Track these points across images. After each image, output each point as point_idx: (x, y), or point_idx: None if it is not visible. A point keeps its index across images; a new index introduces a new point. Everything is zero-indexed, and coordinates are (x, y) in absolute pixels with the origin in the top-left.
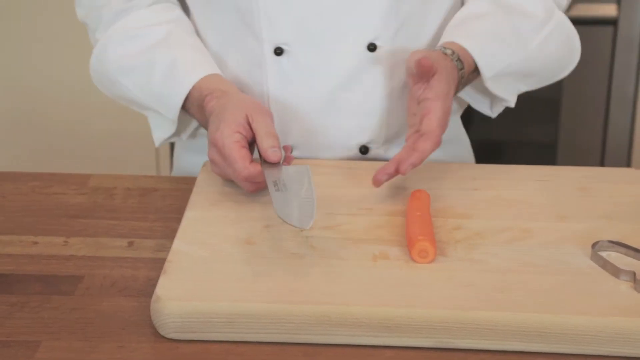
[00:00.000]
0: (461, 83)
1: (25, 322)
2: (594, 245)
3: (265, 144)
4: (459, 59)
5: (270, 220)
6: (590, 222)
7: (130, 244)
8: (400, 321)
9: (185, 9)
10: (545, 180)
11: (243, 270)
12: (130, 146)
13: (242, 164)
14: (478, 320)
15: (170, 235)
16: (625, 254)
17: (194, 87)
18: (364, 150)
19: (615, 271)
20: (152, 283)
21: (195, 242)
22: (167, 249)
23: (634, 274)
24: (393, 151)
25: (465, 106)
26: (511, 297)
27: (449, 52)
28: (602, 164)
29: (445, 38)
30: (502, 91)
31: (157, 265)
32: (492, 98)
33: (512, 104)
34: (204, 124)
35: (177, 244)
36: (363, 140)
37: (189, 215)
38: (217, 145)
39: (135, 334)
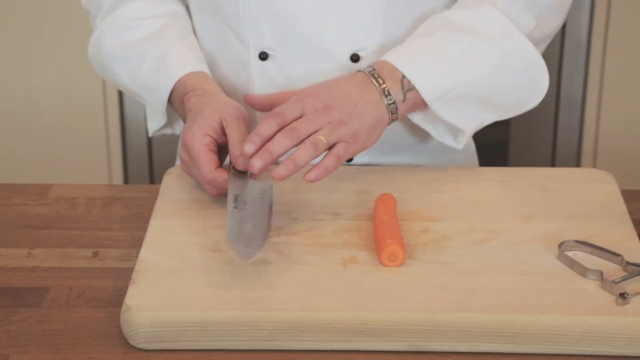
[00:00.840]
0: (394, 111)
1: None
2: (560, 245)
3: (236, 151)
4: (378, 76)
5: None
6: (555, 222)
7: (95, 254)
8: (373, 325)
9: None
10: (508, 181)
11: (212, 278)
12: (81, 154)
13: (208, 168)
14: (450, 322)
15: (136, 244)
16: (591, 253)
17: (179, 82)
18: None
19: (582, 270)
20: (120, 293)
21: (162, 251)
22: (133, 258)
23: (601, 273)
24: (378, 159)
25: None
26: (482, 298)
27: (369, 78)
28: (552, 164)
29: (385, 55)
30: (453, 117)
31: (124, 275)
32: (452, 127)
33: (466, 133)
34: (183, 117)
35: (144, 253)
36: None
37: (154, 223)
38: (186, 146)
39: (105, 345)
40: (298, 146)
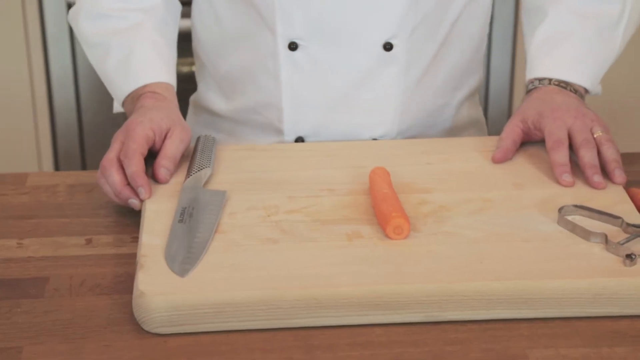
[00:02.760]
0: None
1: (0, 328)
2: (560, 209)
3: (162, 162)
4: (572, 89)
5: (232, 207)
6: (545, 188)
7: (89, 241)
8: (389, 298)
9: None
10: (492, 150)
11: (221, 259)
12: (10, 141)
13: (137, 145)
14: (465, 291)
15: (127, 229)
16: (590, 217)
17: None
18: None
19: (585, 234)
20: (121, 279)
21: (163, 234)
22: (127, 244)
23: (605, 235)
24: None
25: (478, 87)
26: (492, 266)
27: (559, 88)
28: (485, 112)
29: (537, 69)
30: (595, 90)
31: (122, 261)
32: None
33: (600, 91)
34: (129, 112)
35: (147, 237)
36: (375, 134)
37: (151, 208)
38: (129, 125)
39: (117, 332)
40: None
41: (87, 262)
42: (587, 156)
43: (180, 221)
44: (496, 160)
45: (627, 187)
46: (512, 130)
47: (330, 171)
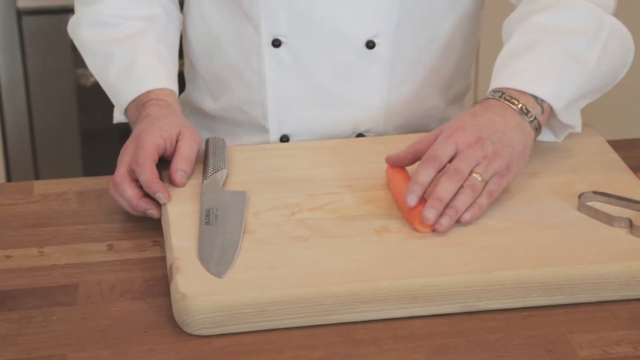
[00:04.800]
0: (537, 126)
1: (39, 337)
2: (580, 196)
3: (178, 164)
4: (523, 108)
5: (255, 207)
6: (559, 176)
7: (110, 247)
8: (428, 290)
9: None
10: None
11: (255, 258)
12: None
13: (147, 153)
14: (502, 280)
15: (146, 234)
16: (608, 203)
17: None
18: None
19: (608, 219)
20: (151, 283)
21: (192, 236)
22: (148, 248)
23: (630, 220)
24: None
25: (466, 93)
26: (524, 254)
27: (507, 103)
28: None
29: (496, 82)
30: (571, 119)
31: (147, 265)
32: (556, 126)
33: (578, 129)
34: (134, 120)
35: (177, 240)
36: (359, 130)
37: (173, 210)
38: (139, 135)
39: (159, 335)
40: (458, 194)
41: (112, 267)
42: (443, 187)
43: (207, 223)
44: (388, 160)
45: (636, 172)
46: (420, 141)
47: (345, 167)
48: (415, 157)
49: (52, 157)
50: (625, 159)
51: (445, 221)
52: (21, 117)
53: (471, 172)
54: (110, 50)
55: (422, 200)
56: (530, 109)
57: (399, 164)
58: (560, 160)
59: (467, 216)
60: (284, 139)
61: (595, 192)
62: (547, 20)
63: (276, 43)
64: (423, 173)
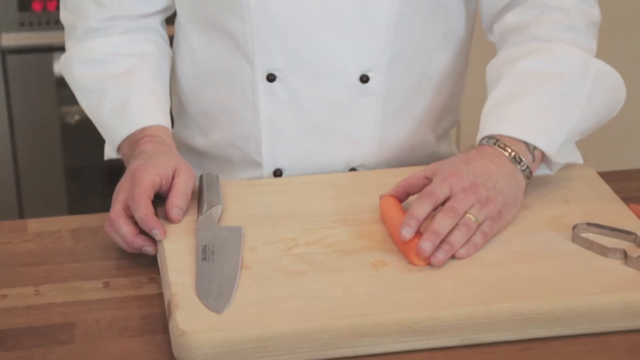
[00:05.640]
0: (529, 175)
1: None
2: (574, 228)
3: (174, 201)
4: (516, 156)
5: (251, 243)
6: (552, 208)
7: (106, 284)
8: (427, 323)
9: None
10: None
11: (253, 294)
12: None
13: (143, 189)
14: (501, 313)
15: (142, 271)
16: (601, 234)
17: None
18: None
19: (603, 251)
20: (148, 320)
21: (190, 273)
22: (144, 285)
23: (624, 251)
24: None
25: (454, 125)
26: (520, 286)
27: (501, 151)
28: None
29: (487, 128)
30: (564, 158)
31: (144, 302)
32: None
33: (580, 160)
34: (127, 157)
35: (174, 276)
36: (352, 164)
37: (169, 247)
38: (134, 173)
39: None
40: (454, 230)
41: (109, 305)
42: (439, 222)
43: (204, 259)
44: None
45: (627, 203)
46: (413, 177)
47: (339, 202)
48: (407, 193)
49: (37, 195)
50: (617, 190)
51: (440, 255)
52: (5, 155)
53: (465, 213)
54: (104, 87)
55: (418, 233)
56: (522, 158)
57: (390, 199)
58: (553, 192)
59: (462, 252)
60: (277, 173)
61: (589, 224)
62: (534, 65)
63: (271, 77)
64: (419, 207)
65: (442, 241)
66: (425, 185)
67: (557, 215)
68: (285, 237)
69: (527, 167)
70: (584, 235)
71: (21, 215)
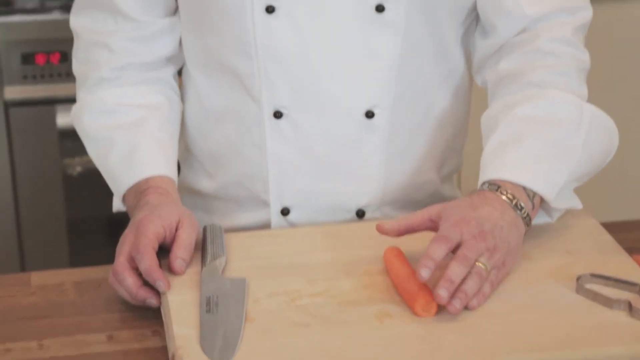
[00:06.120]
0: (528, 222)
1: None
2: (578, 279)
3: (178, 252)
4: (517, 204)
5: (255, 294)
6: (554, 258)
7: (110, 337)
8: None
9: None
10: None
11: (258, 346)
12: None
13: (148, 240)
14: None
15: (145, 324)
16: (606, 285)
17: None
18: (360, 213)
19: (607, 302)
20: None
21: (194, 325)
22: (149, 338)
23: (629, 302)
24: (390, 214)
25: (457, 169)
26: (525, 338)
27: (504, 198)
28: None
29: (488, 173)
30: (563, 204)
31: (149, 355)
32: (549, 207)
33: (579, 205)
34: (132, 207)
35: (178, 329)
36: (360, 204)
37: (173, 299)
38: (139, 224)
39: None
40: (467, 279)
41: (113, 358)
42: (454, 271)
43: (208, 311)
44: (379, 229)
45: (631, 254)
46: (418, 216)
47: (343, 252)
48: (407, 231)
49: (39, 247)
50: (619, 241)
51: (457, 304)
52: (7, 207)
53: (476, 261)
54: (112, 136)
55: (422, 285)
56: (523, 205)
57: (390, 234)
58: (555, 243)
59: (474, 303)
60: (285, 212)
61: (593, 275)
62: (530, 111)
63: (277, 115)
64: (435, 250)
65: (457, 290)
66: (428, 227)
67: (560, 266)
68: (289, 288)
69: (527, 214)
70: (588, 286)
71: (23, 267)
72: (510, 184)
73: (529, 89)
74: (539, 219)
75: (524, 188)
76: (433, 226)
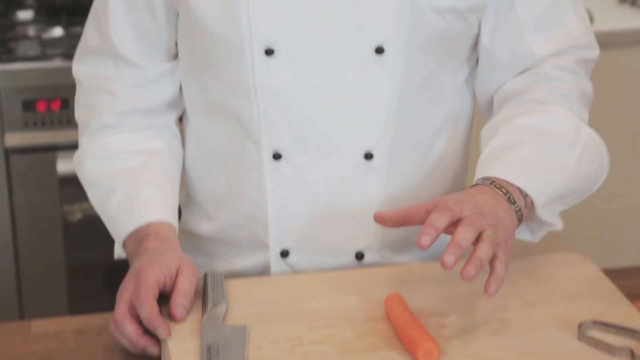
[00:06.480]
0: (520, 217)
1: None
2: (580, 326)
3: (179, 299)
4: (510, 198)
5: (256, 342)
6: (557, 306)
7: None
8: None
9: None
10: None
11: None
12: None
13: (148, 288)
14: None
15: None
16: (607, 332)
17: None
18: (359, 256)
19: (609, 349)
20: None
21: None
22: None
23: (631, 350)
24: (389, 258)
25: None
26: None
27: (497, 190)
28: None
29: (484, 172)
30: (549, 216)
31: None
32: (534, 224)
33: (559, 226)
34: (132, 253)
35: None
36: (359, 246)
37: (174, 346)
38: (139, 271)
39: None
40: (479, 244)
41: None
42: (460, 235)
43: (209, 359)
44: (376, 218)
45: (632, 300)
46: (413, 207)
47: (344, 298)
48: (404, 221)
49: (38, 293)
50: (621, 288)
51: (472, 269)
52: (7, 253)
53: (482, 231)
54: (113, 182)
55: (424, 332)
56: (516, 200)
57: (388, 223)
58: (557, 290)
59: (492, 289)
60: (284, 254)
61: (595, 322)
62: (530, 122)
63: (277, 156)
64: (437, 218)
65: (471, 256)
66: (424, 219)
67: (562, 313)
68: (290, 335)
69: (520, 209)
70: (590, 333)
71: (22, 313)
72: (504, 181)
73: (532, 104)
74: (522, 235)
75: (518, 188)
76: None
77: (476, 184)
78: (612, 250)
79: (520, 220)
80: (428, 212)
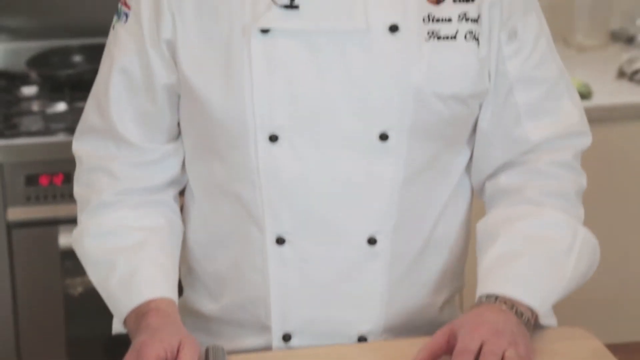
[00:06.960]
0: (529, 327)
1: None
2: None
3: None
4: (517, 311)
5: None
6: None
7: None
8: None
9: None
10: None
11: None
12: None
13: None
14: None
15: None
16: None
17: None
18: (362, 339)
19: None
20: None
21: None
22: None
23: None
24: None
25: (459, 290)
26: None
27: (504, 307)
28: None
29: (486, 287)
30: (549, 319)
31: None
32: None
33: (555, 323)
34: (134, 330)
35: None
36: (362, 330)
37: None
38: (140, 348)
39: None
40: None
41: None
42: None
43: None
44: None
45: None
46: (435, 341)
47: None
48: (433, 358)
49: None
50: None
51: None
52: (8, 326)
53: (503, 354)
54: (113, 259)
55: None
56: (523, 312)
57: None
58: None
59: None
60: (286, 337)
61: None
62: (529, 229)
63: (280, 241)
64: None
65: None
66: (449, 347)
67: None
68: None
69: (528, 319)
70: None
71: None
72: (507, 297)
73: (527, 206)
74: None
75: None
76: (451, 346)
77: (480, 303)
78: (614, 326)
79: (530, 329)
80: (447, 342)
